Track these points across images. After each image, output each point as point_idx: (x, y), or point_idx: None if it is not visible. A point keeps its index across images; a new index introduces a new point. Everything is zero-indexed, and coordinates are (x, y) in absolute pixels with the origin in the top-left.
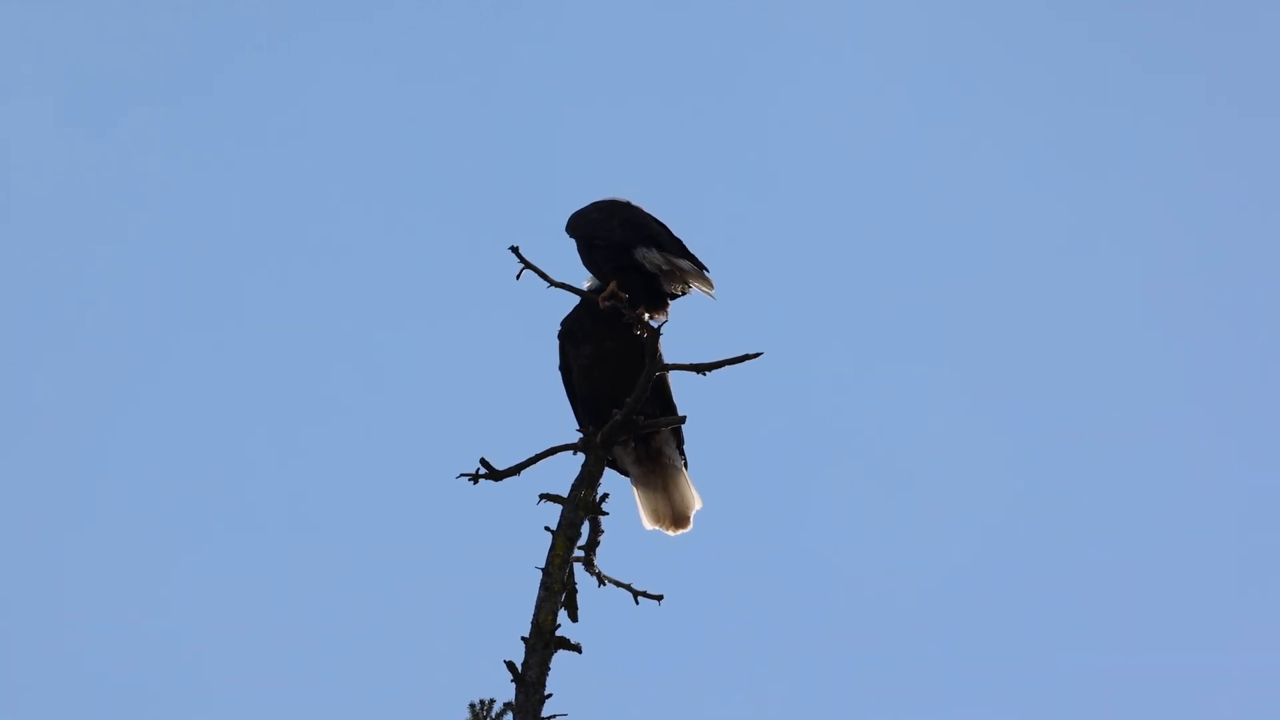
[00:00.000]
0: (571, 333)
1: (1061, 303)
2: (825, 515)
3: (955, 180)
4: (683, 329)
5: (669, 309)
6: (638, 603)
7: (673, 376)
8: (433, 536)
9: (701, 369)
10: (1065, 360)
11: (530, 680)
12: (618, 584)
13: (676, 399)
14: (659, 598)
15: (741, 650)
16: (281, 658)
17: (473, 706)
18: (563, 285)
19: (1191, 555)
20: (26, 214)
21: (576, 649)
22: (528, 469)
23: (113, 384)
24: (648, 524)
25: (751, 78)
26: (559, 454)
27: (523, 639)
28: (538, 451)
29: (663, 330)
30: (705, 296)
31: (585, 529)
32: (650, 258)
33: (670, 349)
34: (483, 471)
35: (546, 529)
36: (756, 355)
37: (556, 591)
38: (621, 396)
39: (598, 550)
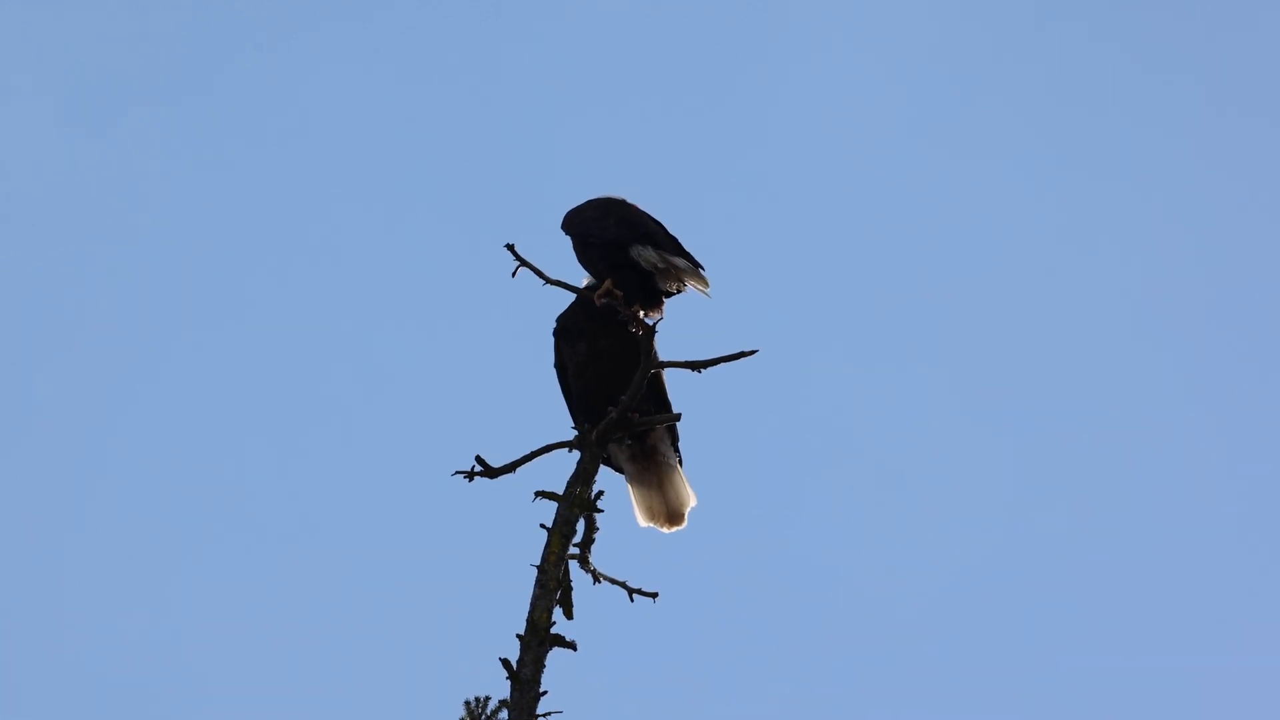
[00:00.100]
0: (567, 330)
1: (1060, 303)
2: (820, 513)
3: (953, 180)
4: (678, 327)
5: (664, 307)
6: (633, 600)
7: (668, 374)
8: (428, 534)
9: (697, 366)
10: (1062, 360)
11: (525, 678)
12: (613, 581)
13: (671, 396)
14: (654, 595)
15: (736, 647)
16: (277, 655)
17: (468, 704)
18: (558, 283)
19: (1191, 556)
20: (26, 214)
21: (571, 646)
22: (523, 466)
23: (112, 383)
24: (642, 521)
25: (750, 77)
26: (554, 451)
27: (518, 636)
28: (533, 449)
29: (658, 328)
30: (700, 295)
31: (580, 526)
32: (646, 255)
33: (665, 347)
34: (478, 469)
35: (542, 526)
36: (752, 353)
37: (551, 589)
38: (617, 394)
39: (593, 548)
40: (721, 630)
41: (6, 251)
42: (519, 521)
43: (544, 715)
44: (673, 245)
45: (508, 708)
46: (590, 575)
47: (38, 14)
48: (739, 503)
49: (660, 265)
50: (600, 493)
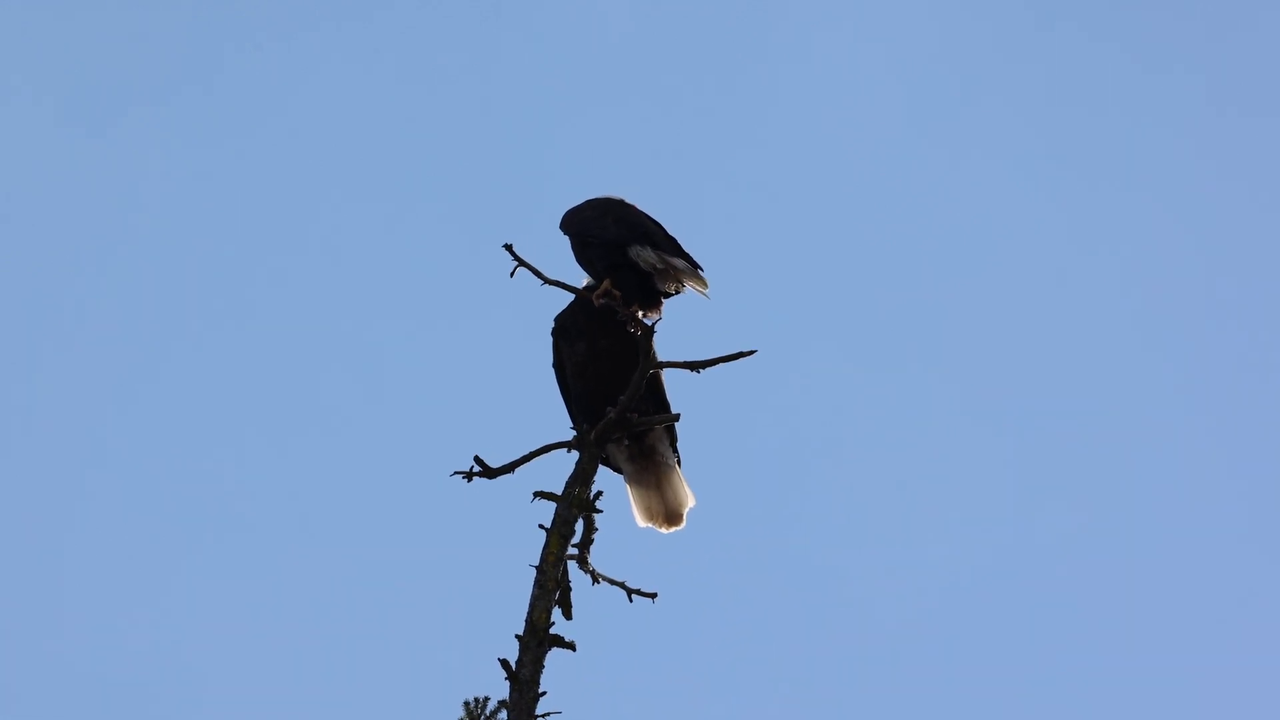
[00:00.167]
0: (565, 330)
1: (1060, 303)
2: (818, 513)
3: (952, 180)
4: (677, 327)
5: (663, 307)
6: (632, 600)
7: (666, 374)
8: (427, 534)
9: (695, 367)
10: (1062, 360)
11: (524, 678)
12: (612, 582)
13: (670, 397)
14: (653, 595)
15: (735, 648)
16: (276, 656)
17: (467, 704)
18: (557, 283)
19: (1191, 557)
20: (26, 214)
21: (570, 647)
22: (522, 467)
23: (112, 383)
24: (641, 522)
25: (750, 77)
26: (553, 451)
27: (517, 637)
28: (532, 449)
29: (656, 328)
30: (699, 295)
31: (579, 527)
32: (644, 256)
33: (664, 347)
34: (477, 469)
35: (540, 527)
36: (750, 353)
37: (550, 589)
38: (615, 394)
39: (591, 548)
40: (720, 631)
41: (6, 251)
42: (518, 522)
43: (543, 716)
44: (671, 246)
45: (507, 708)
46: (589, 576)
47: (38, 14)
48: (737, 503)
49: (659, 266)
50: (599, 493)
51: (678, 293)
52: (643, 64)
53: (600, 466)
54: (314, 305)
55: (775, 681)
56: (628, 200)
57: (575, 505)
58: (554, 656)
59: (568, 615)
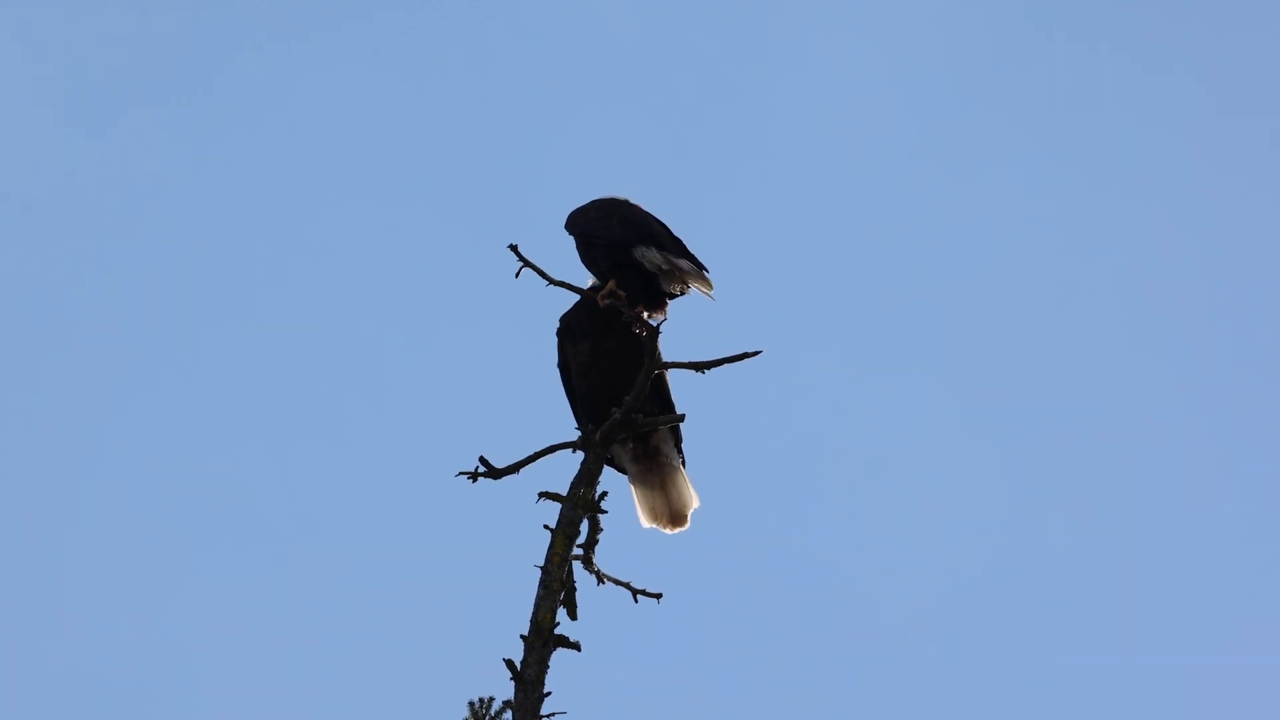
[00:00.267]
0: (570, 330)
1: (1060, 305)
2: (822, 514)
3: (954, 182)
4: (682, 328)
5: (668, 308)
6: (636, 601)
7: (671, 375)
8: (432, 535)
9: (700, 367)
10: (1063, 362)
11: (529, 678)
12: (617, 582)
13: (675, 397)
14: (658, 596)
15: (740, 648)
16: (282, 656)
17: (472, 705)
18: (562, 283)
19: (1191, 558)
20: (26, 214)
21: (575, 647)
22: (527, 467)
23: (113, 383)
24: (645, 522)
25: (752, 78)
26: (558, 452)
27: (522, 637)
28: (537, 450)
29: (661, 329)
30: (704, 296)
31: (584, 527)
32: (649, 257)
33: (669, 348)
34: (482, 470)
35: (545, 527)
36: (755, 354)
37: (555, 590)
38: (620, 395)
39: (596, 548)
40: (725, 631)
41: (6, 251)
42: (523, 522)
43: (548, 716)
44: (676, 246)
45: (512, 708)
46: (594, 576)
47: (38, 14)
48: (742, 504)
49: (664, 266)
50: (604, 494)
51: (683, 294)
52: (645, 66)
53: (605, 467)
54: (318, 306)
55: (779, 682)
56: (633, 201)
57: (580, 506)
58: (559, 657)
59: (573, 615)
